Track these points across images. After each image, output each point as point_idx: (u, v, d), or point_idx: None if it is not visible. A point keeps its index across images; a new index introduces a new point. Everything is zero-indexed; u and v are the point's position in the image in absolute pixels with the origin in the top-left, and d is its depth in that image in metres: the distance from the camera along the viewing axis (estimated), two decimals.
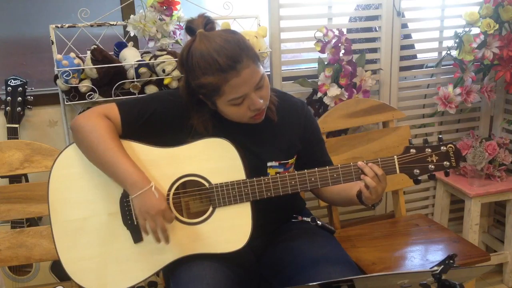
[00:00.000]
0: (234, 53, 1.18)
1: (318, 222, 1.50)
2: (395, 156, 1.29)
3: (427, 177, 1.30)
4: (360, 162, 1.27)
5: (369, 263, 1.67)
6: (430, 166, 1.28)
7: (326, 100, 2.03)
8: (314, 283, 1.05)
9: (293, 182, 1.29)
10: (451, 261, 0.97)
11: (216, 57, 1.17)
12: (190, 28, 1.25)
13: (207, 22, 1.25)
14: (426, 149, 1.28)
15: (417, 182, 1.30)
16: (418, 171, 1.28)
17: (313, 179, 1.29)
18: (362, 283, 1.02)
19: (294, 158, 1.44)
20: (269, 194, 1.28)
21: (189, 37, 1.26)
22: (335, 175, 1.29)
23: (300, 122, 1.44)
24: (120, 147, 1.25)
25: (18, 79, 1.85)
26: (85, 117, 1.28)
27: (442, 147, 1.28)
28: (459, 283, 0.95)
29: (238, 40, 1.21)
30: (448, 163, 1.28)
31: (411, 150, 1.28)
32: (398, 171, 1.29)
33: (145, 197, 1.20)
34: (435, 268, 0.97)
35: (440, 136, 1.31)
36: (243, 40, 1.23)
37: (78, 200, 1.28)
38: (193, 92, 1.28)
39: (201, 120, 1.32)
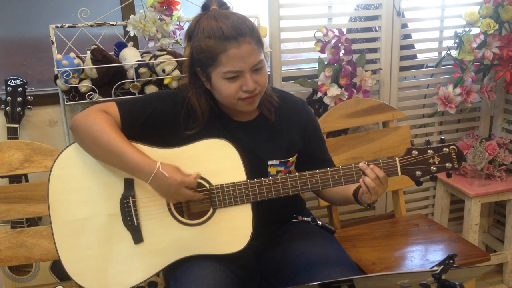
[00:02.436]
0: (240, 27, 1.22)
1: (318, 222, 1.50)
2: (397, 158, 1.28)
3: (429, 178, 1.30)
4: (362, 164, 1.27)
5: (369, 263, 1.67)
6: (432, 167, 1.28)
7: (326, 100, 2.03)
8: (314, 283, 1.05)
9: (294, 184, 1.29)
10: (451, 261, 0.97)
11: (221, 25, 1.22)
12: (206, 5, 1.30)
13: (223, 4, 1.30)
14: (428, 151, 1.28)
15: (418, 184, 1.29)
16: (420, 172, 1.28)
17: (314, 180, 1.29)
18: (362, 283, 1.02)
19: (295, 157, 1.44)
20: (269, 195, 1.28)
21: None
22: (336, 177, 1.28)
23: (300, 121, 1.44)
24: (122, 136, 1.25)
25: (18, 79, 1.85)
26: (84, 114, 1.28)
27: (444, 149, 1.28)
28: (459, 283, 0.95)
29: (247, 20, 1.26)
30: (450, 165, 1.28)
31: (413, 151, 1.28)
32: (399, 173, 1.28)
33: (157, 179, 1.21)
34: (435, 268, 0.97)
35: (442, 137, 1.31)
36: (252, 23, 1.27)
37: (78, 201, 1.28)
38: (193, 63, 1.30)
39: (194, 92, 1.33)
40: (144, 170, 1.21)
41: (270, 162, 1.38)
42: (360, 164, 1.27)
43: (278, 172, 1.40)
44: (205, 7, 1.30)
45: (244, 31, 1.22)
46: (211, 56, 1.23)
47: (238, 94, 1.27)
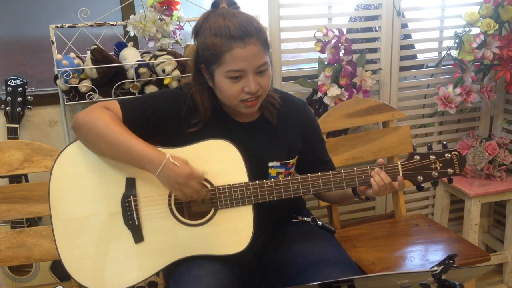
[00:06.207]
0: (248, 27, 1.22)
1: (319, 222, 1.50)
2: (399, 163, 1.29)
3: (431, 184, 1.30)
4: (377, 169, 1.28)
5: (369, 263, 1.67)
6: (434, 173, 1.28)
7: (326, 100, 2.03)
8: (314, 283, 1.05)
9: (295, 186, 1.29)
10: (451, 261, 0.97)
11: (228, 24, 1.21)
12: (215, 3, 1.30)
13: (232, 3, 1.30)
14: (430, 156, 1.28)
15: (420, 189, 1.30)
16: (421, 178, 1.28)
17: (316, 183, 1.29)
18: (362, 283, 1.02)
19: (295, 159, 1.44)
20: (271, 197, 1.28)
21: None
22: (338, 180, 1.29)
23: (301, 123, 1.44)
24: (128, 130, 1.25)
25: (18, 79, 1.85)
26: (86, 112, 1.28)
27: (446, 154, 1.28)
28: (459, 283, 0.95)
29: (254, 20, 1.25)
30: (452, 171, 1.28)
31: (415, 156, 1.28)
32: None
33: (167, 170, 1.20)
34: (435, 268, 0.97)
35: (444, 143, 1.31)
36: (259, 23, 1.27)
37: (79, 199, 1.28)
38: (198, 59, 1.30)
39: (198, 89, 1.33)
40: (153, 161, 1.21)
41: (270, 164, 1.38)
42: (376, 169, 1.28)
43: (278, 173, 1.40)
44: (214, 5, 1.30)
45: (251, 32, 1.21)
46: (216, 54, 1.23)
47: (240, 96, 1.26)
